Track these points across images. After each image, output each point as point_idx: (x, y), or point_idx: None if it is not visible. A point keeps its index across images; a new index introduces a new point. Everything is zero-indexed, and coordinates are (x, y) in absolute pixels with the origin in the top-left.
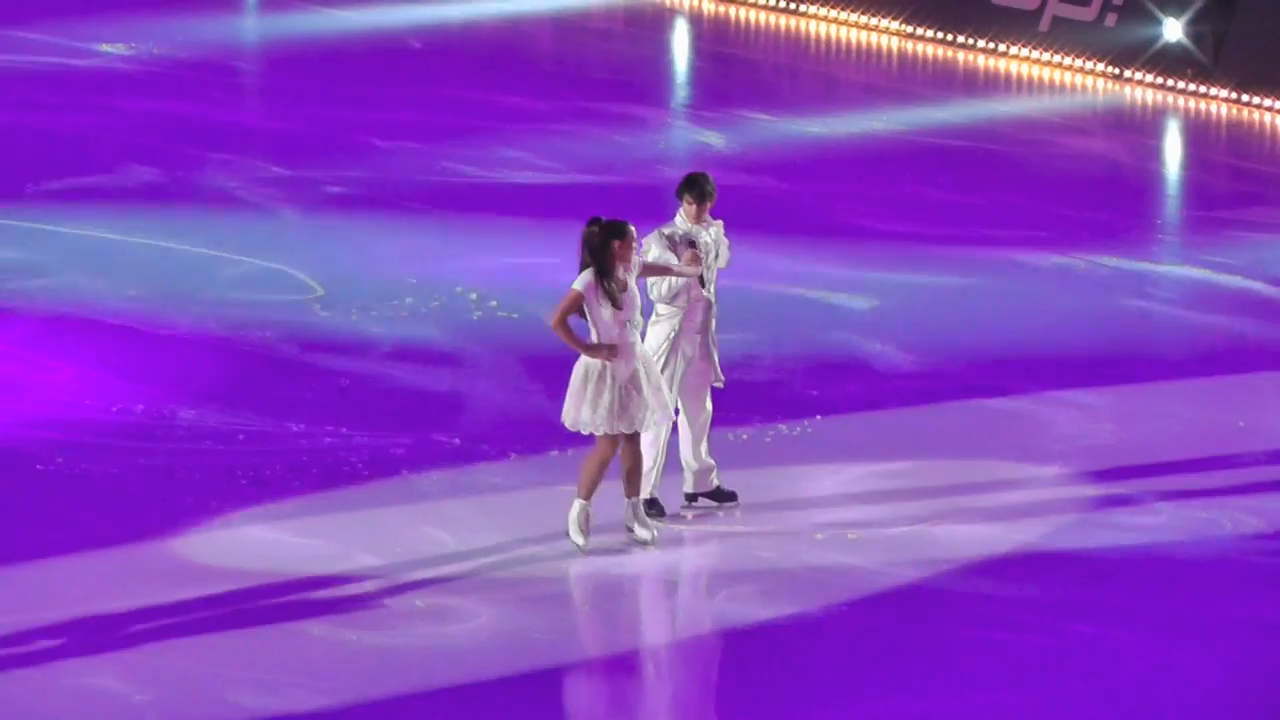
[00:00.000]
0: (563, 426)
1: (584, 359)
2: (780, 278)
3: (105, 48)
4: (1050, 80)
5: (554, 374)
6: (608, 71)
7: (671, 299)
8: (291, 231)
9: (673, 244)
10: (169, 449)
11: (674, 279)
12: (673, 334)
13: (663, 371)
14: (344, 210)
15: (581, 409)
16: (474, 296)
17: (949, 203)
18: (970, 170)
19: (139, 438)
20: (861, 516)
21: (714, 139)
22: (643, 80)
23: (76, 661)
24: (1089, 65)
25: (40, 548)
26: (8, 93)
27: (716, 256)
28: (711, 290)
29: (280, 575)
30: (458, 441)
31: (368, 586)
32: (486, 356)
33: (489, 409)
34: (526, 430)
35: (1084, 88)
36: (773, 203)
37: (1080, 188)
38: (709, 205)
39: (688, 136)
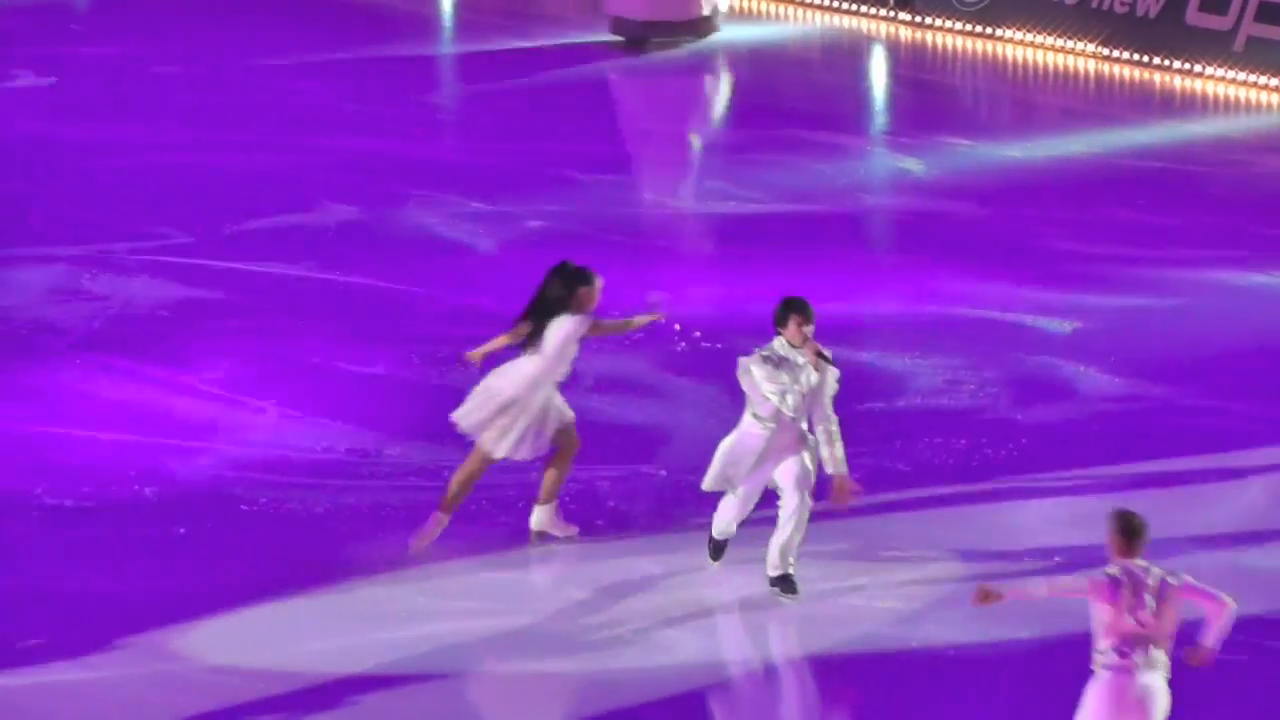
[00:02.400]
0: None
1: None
2: (980, 302)
3: (299, 83)
4: (1246, 100)
5: None
6: (806, 100)
7: (766, 415)
8: (491, 266)
9: (774, 365)
10: (374, 487)
11: (771, 395)
12: (753, 455)
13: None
14: (544, 244)
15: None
16: (678, 328)
17: (1147, 224)
18: (1168, 191)
19: (344, 476)
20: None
21: (913, 165)
22: (841, 108)
23: (289, 704)
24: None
25: (251, 590)
26: (204, 130)
27: (810, 386)
28: (804, 419)
29: (490, 611)
30: (664, 473)
31: (579, 618)
32: (690, 388)
33: (694, 440)
34: None
35: None
36: (971, 227)
37: (1235, 201)
38: (811, 328)
39: (887, 163)
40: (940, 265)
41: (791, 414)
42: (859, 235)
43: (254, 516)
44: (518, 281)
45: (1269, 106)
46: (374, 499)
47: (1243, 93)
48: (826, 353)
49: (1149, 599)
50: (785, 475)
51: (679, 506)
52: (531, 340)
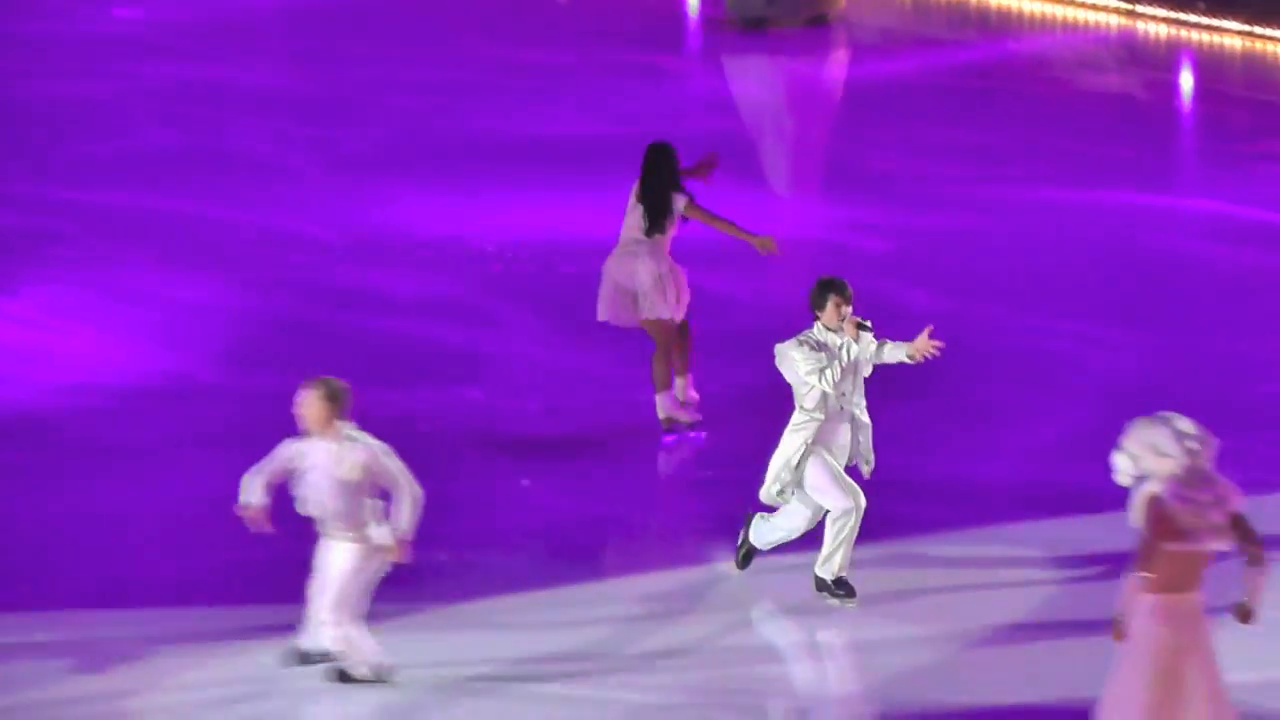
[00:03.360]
0: (588, 375)
1: None
2: (804, 223)
3: (120, 11)
4: (1063, 18)
5: (575, 325)
6: (628, 22)
7: (812, 406)
8: (315, 192)
9: (813, 348)
10: (191, 413)
11: (810, 376)
12: (804, 447)
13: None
14: (368, 169)
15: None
16: (493, 250)
17: (969, 143)
18: (989, 110)
19: (160, 401)
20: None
21: (730, 84)
22: (661, 31)
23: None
24: (1101, 1)
25: (65, 515)
26: (24, 61)
27: (851, 360)
28: (858, 406)
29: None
30: (480, 395)
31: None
32: (509, 310)
33: (512, 363)
34: (551, 384)
35: (1097, 25)
36: (793, 148)
37: (1098, 124)
38: (849, 309)
39: (705, 83)
40: (762, 187)
41: (834, 392)
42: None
43: (64, 443)
44: (340, 207)
45: (1085, 24)
46: (189, 425)
47: (1059, 10)
48: (867, 323)
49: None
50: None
51: (496, 426)
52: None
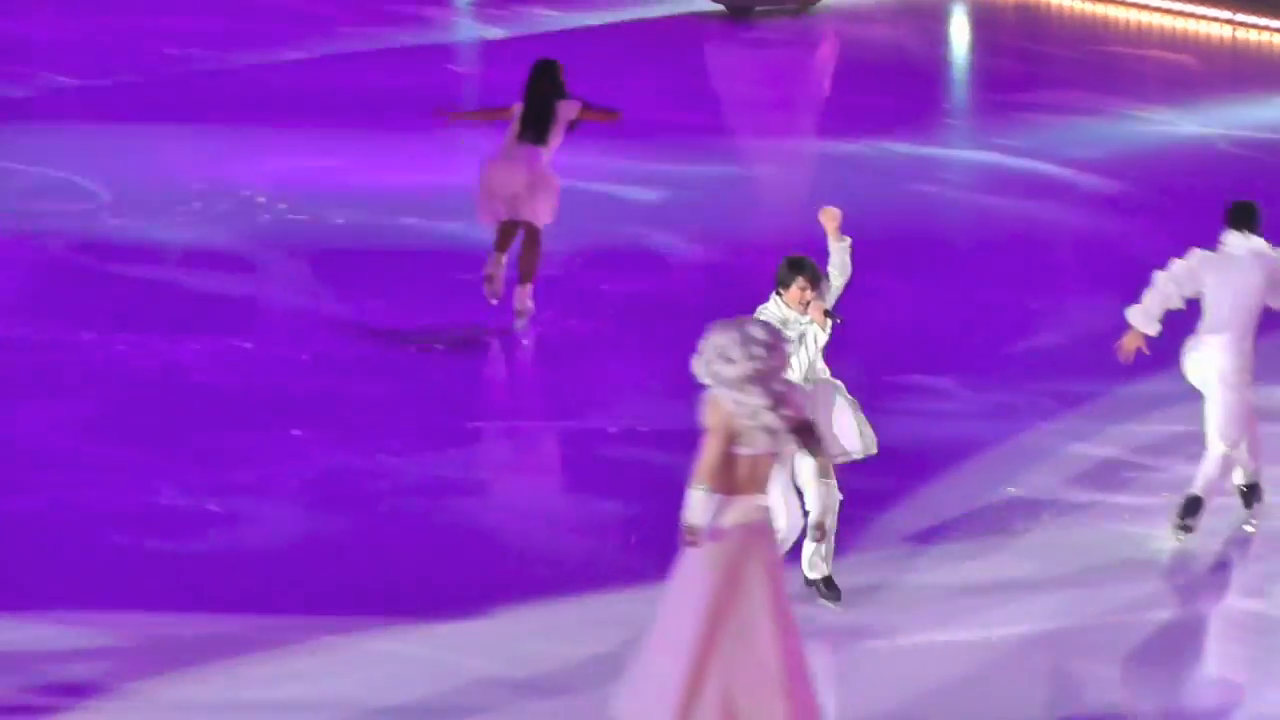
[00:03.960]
0: (359, 324)
1: None
2: (569, 173)
3: None
4: None
5: (345, 276)
6: None
7: None
8: (79, 140)
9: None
10: None
11: None
12: None
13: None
14: (131, 118)
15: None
16: (262, 200)
17: (741, 94)
18: (760, 61)
19: None
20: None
21: (496, 33)
22: None
23: None
24: None
25: None
26: None
27: (819, 344)
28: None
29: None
30: (250, 346)
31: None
32: (278, 260)
33: (282, 312)
34: (319, 332)
35: None
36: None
37: (867, 74)
38: (813, 294)
39: (472, 33)
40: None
41: (800, 378)
42: (444, 105)
43: None
44: (108, 157)
45: None
46: None
47: None
48: (838, 318)
49: None
50: (804, 466)
51: (268, 377)
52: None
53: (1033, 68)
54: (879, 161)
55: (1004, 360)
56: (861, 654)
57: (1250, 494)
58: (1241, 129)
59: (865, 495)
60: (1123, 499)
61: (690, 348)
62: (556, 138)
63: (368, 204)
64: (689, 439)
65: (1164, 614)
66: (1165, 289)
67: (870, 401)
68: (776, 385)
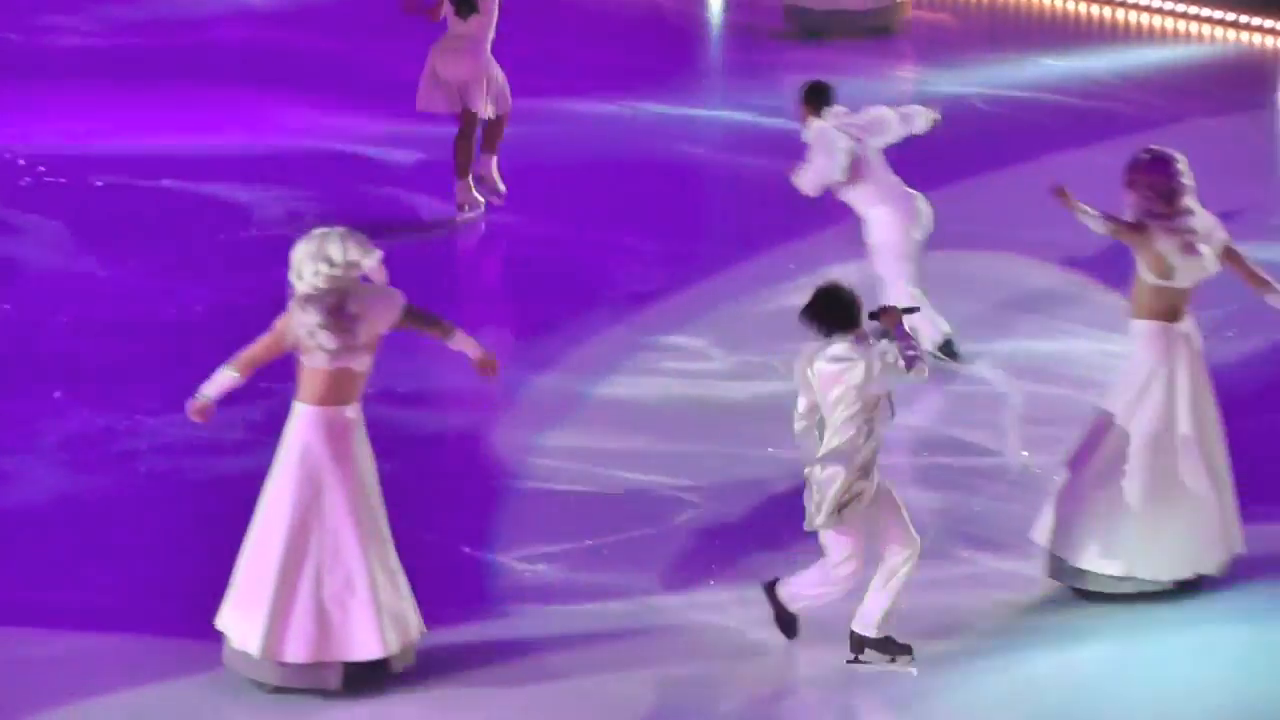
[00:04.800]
0: (118, 286)
1: None
2: (325, 134)
3: None
4: None
5: (105, 238)
6: None
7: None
8: None
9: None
10: None
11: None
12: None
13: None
14: None
15: None
16: (21, 163)
17: (496, 53)
18: (517, 22)
19: None
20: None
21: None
22: None
23: None
24: None
25: None
26: None
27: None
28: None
29: None
30: (9, 308)
31: None
32: (37, 222)
33: (41, 274)
34: (78, 294)
35: None
36: (310, 58)
37: (622, 34)
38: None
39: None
40: (283, 97)
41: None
42: (203, 66)
43: None
44: None
45: None
46: None
47: None
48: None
49: None
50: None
51: (27, 339)
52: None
53: (789, 26)
54: (635, 122)
55: (759, 319)
56: (614, 615)
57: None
58: (997, 88)
59: (622, 457)
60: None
61: (446, 309)
62: (489, 14)
63: (128, 166)
64: (446, 398)
65: (932, 573)
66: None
67: (626, 363)
68: (351, 306)
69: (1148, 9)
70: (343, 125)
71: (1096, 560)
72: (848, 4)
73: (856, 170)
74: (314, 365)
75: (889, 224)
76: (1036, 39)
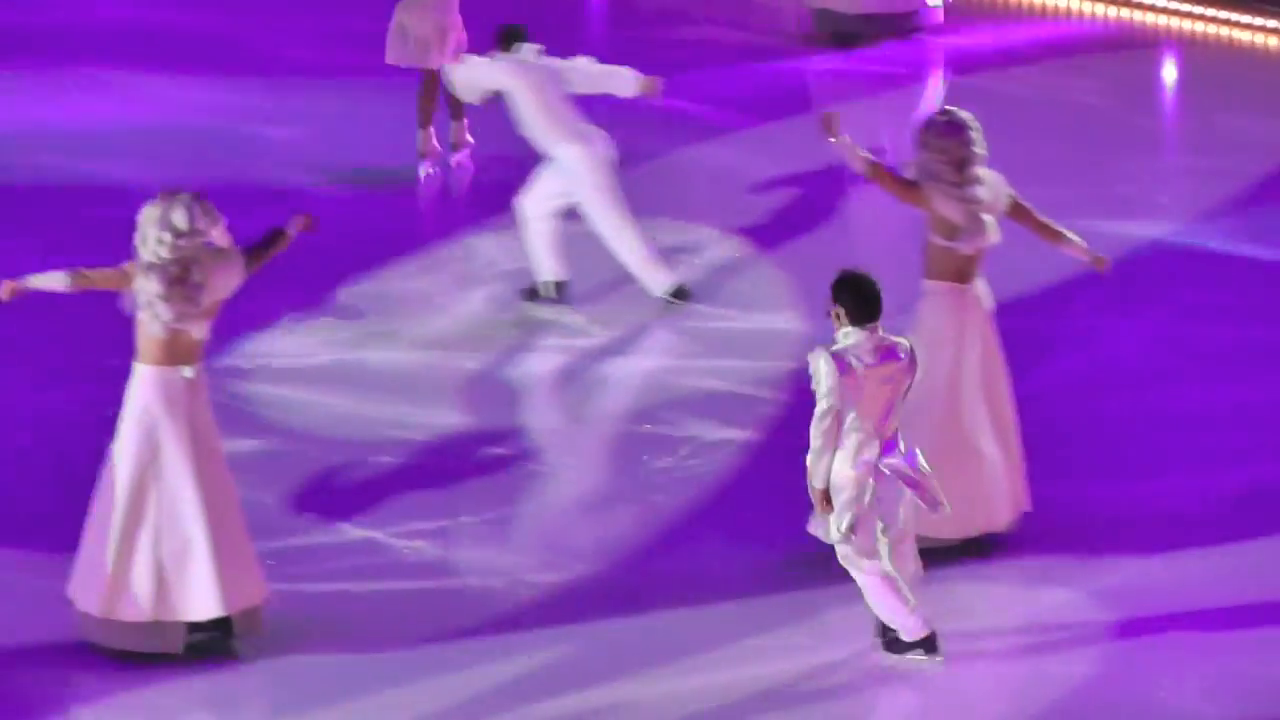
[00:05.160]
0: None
1: None
2: (204, 110)
3: None
4: None
5: None
6: None
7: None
8: None
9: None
10: None
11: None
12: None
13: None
14: None
15: None
16: None
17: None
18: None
19: None
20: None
21: None
22: None
23: None
24: None
25: None
26: None
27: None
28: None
29: None
30: None
31: None
32: None
33: None
34: None
35: None
36: (190, 35)
37: (485, 11)
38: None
39: None
40: (163, 73)
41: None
42: (82, 43)
43: None
44: None
45: None
46: None
47: None
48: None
49: None
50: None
51: None
52: None
53: (676, 4)
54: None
55: (632, 296)
56: (486, 592)
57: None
58: (887, 62)
59: (494, 435)
60: (740, 434)
61: (319, 285)
62: None
63: (4, 143)
64: (323, 373)
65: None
66: None
67: (504, 339)
68: (194, 275)
69: None
70: (222, 101)
71: None
72: (876, 7)
73: (540, 109)
74: (151, 328)
75: (577, 162)
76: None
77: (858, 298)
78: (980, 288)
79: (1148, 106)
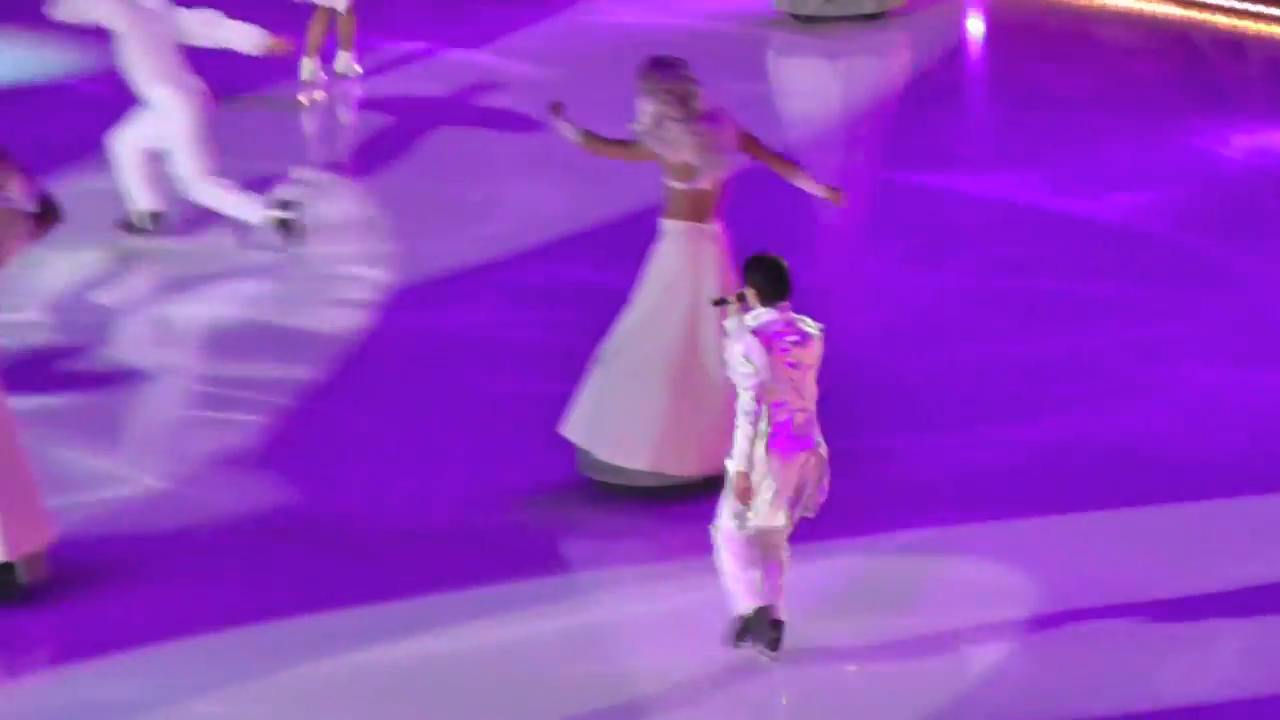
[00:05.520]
0: None
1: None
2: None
3: None
4: None
5: None
6: None
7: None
8: None
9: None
10: None
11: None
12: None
13: None
14: None
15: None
16: None
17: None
18: None
19: None
20: None
21: None
22: None
23: None
24: None
25: None
26: None
27: None
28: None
29: None
30: None
31: None
32: None
33: None
34: None
35: None
36: None
37: None
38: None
39: None
40: None
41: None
42: None
43: None
44: None
45: None
46: None
47: None
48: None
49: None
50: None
51: None
52: None
53: (783, 14)
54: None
55: (446, 249)
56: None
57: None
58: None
59: (304, 387)
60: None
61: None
62: None
63: None
64: (121, 332)
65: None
66: None
67: (307, 292)
68: None
69: None
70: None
71: (625, 455)
72: None
73: (142, 51)
74: None
75: (170, 107)
76: None
77: (770, 276)
78: (716, 227)
79: (952, 59)
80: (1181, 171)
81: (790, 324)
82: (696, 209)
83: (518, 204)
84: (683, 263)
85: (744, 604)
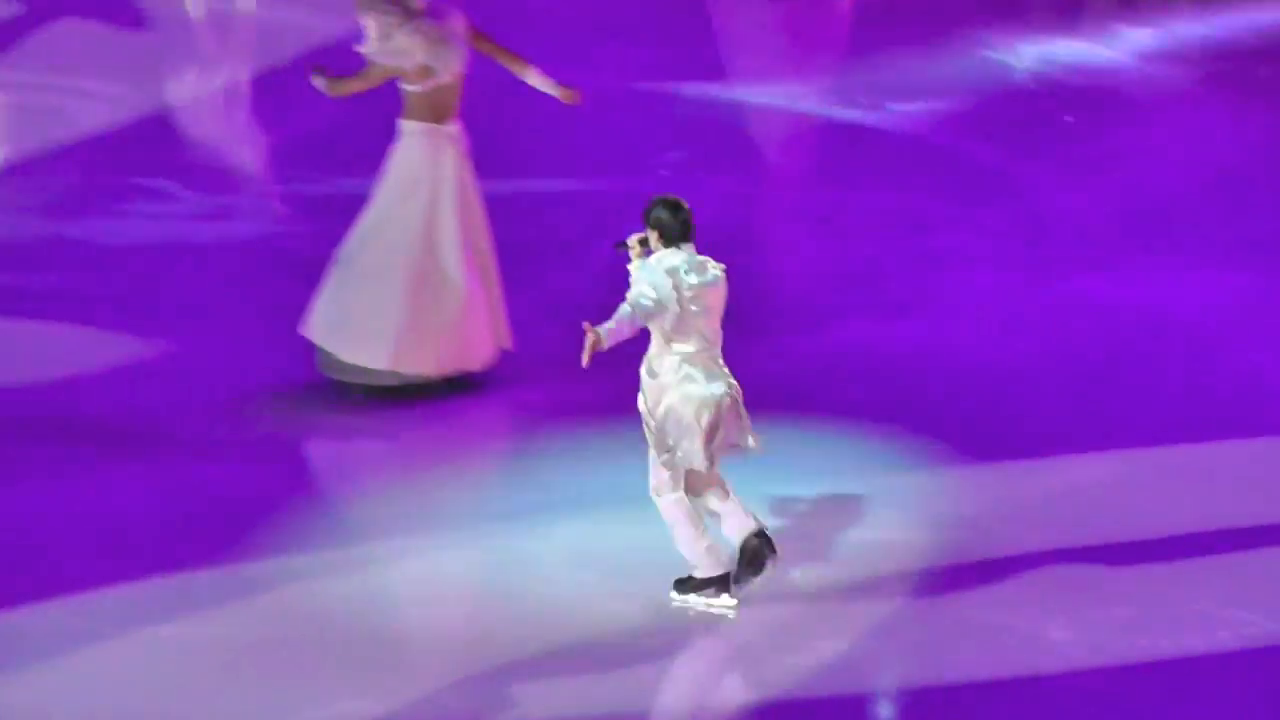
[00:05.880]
0: None
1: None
2: None
3: None
4: None
5: None
6: None
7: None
8: None
9: None
10: None
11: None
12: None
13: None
14: None
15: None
16: None
17: None
18: None
19: None
20: None
21: None
22: None
23: None
24: None
25: None
26: None
27: None
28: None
29: None
30: None
31: None
32: None
33: None
34: None
35: None
36: None
37: None
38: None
39: None
40: None
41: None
42: None
43: None
44: None
45: None
46: None
47: None
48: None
49: None
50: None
51: None
52: None
53: None
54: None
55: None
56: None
57: None
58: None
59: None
60: None
61: None
62: None
63: None
64: None
65: None
66: None
67: (97, 203)
68: None
69: None
70: None
71: (364, 354)
72: None
73: None
74: None
75: None
76: None
77: (674, 217)
78: (455, 127)
79: None
80: (969, 81)
81: (697, 265)
82: (435, 110)
83: None
84: (421, 163)
85: (711, 567)
